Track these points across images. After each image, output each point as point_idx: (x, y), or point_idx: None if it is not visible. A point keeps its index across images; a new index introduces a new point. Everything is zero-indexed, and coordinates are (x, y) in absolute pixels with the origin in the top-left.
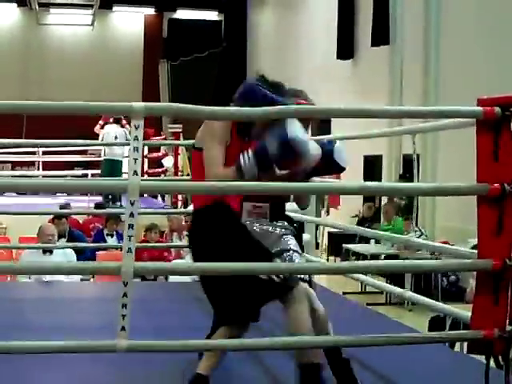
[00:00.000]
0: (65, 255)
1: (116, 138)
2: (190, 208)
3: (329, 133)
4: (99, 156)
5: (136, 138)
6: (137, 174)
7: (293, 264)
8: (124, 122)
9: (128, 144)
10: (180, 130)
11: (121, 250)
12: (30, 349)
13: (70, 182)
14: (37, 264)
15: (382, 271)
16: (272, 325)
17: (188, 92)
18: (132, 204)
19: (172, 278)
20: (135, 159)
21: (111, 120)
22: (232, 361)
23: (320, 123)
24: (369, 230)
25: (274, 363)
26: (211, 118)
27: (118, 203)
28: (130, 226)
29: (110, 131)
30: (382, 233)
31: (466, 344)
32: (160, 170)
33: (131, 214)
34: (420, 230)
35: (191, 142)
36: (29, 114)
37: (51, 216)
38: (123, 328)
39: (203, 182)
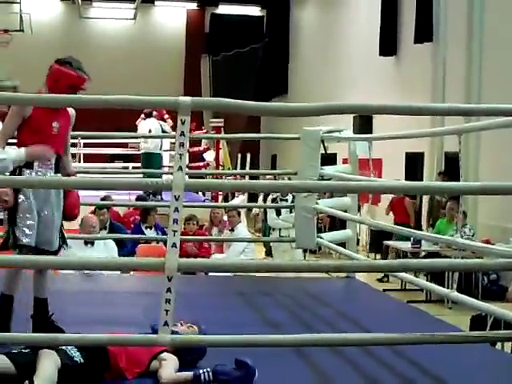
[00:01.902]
0: (106, 247)
1: (150, 131)
2: (232, 202)
3: (370, 129)
4: (139, 149)
5: (182, 134)
6: (181, 170)
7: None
8: (155, 114)
9: (163, 137)
10: (222, 125)
11: (158, 243)
12: (76, 341)
13: (116, 180)
14: (81, 260)
15: (427, 270)
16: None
17: (229, 87)
18: (176, 199)
19: (212, 272)
20: (180, 154)
21: (142, 116)
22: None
23: (361, 120)
24: (406, 229)
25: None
26: (256, 113)
27: (159, 196)
28: (175, 221)
29: (143, 126)
30: (419, 232)
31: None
32: (201, 164)
33: (176, 209)
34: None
35: (233, 136)
36: (79, 108)
37: (92, 208)
38: (166, 323)
39: (247, 181)
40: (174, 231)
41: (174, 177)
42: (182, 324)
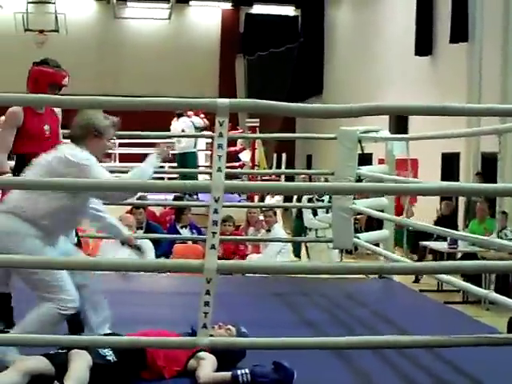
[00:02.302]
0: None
1: (183, 131)
2: (268, 202)
3: (406, 130)
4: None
5: (221, 135)
6: (221, 171)
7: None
8: (190, 113)
9: (195, 136)
10: (257, 125)
11: (195, 243)
12: (114, 344)
13: (156, 182)
14: (119, 260)
15: (466, 272)
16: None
17: (264, 87)
18: (216, 201)
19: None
20: (219, 156)
21: (175, 119)
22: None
23: (397, 120)
24: (443, 229)
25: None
26: (294, 114)
27: (195, 196)
28: (214, 223)
29: (176, 126)
30: (458, 233)
31: None
32: (237, 164)
33: (215, 211)
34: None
35: (269, 135)
36: (117, 110)
37: (127, 208)
38: (205, 325)
39: (285, 184)
40: (214, 233)
41: (213, 178)
42: (220, 327)
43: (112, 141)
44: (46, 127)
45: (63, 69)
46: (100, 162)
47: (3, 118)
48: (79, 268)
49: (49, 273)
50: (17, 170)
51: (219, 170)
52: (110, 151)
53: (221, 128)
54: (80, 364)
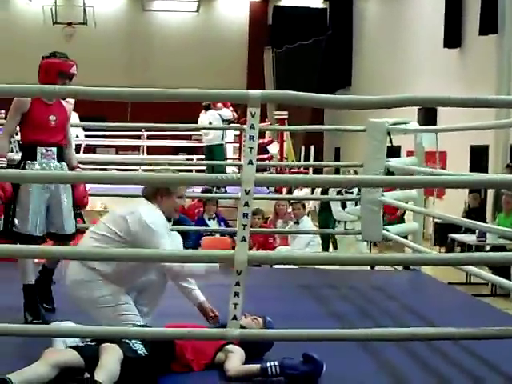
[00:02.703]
0: (172, 239)
1: (210, 123)
2: (296, 194)
3: (435, 122)
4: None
5: (252, 127)
6: (252, 164)
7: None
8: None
9: (223, 128)
10: (286, 117)
11: (223, 235)
12: (144, 335)
13: (188, 174)
14: (150, 252)
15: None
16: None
17: (292, 79)
18: (247, 193)
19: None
20: (251, 148)
21: (203, 111)
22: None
23: (426, 112)
24: (475, 222)
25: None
26: (326, 106)
27: (223, 189)
28: (245, 215)
29: (203, 119)
30: (486, 225)
31: None
32: (265, 156)
33: (246, 203)
34: None
35: (298, 127)
36: (151, 102)
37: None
38: (235, 317)
39: (317, 176)
40: (244, 225)
41: (244, 171)
42: (245, 316)
43: (181, 198)
44: (52, 117)
45: (71, 59)
46: (170, 219)
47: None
48: (112, 259)
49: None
50: (24, 159)
51: (250, 162)
52: (138, 143)
53: (252, 119)
54: (111, 357)
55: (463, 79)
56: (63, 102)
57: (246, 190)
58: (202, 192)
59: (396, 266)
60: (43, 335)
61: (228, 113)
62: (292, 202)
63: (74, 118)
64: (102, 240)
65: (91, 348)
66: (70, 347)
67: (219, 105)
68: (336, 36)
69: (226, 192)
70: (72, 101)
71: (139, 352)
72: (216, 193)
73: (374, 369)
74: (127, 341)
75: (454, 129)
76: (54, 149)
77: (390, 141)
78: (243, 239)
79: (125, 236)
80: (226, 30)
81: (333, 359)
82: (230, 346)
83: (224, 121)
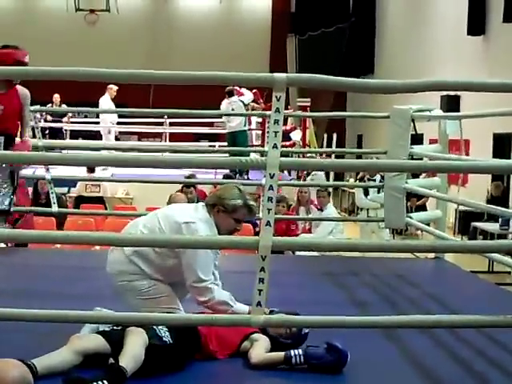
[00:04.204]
0: None
1: (233, 110)
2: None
3: (458, 110)
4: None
5: (277, 110)
6: (277, 148)
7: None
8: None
9: (245, 114)
10: (308, 104)
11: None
12: (169, 321)
13: (211, 158)
14: (172, 237)
15: None
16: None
17: (315, 66)
18: (271, 177)
19: (299, 252)
20: (275, 132)
21: (226, 99)
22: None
23: (449, 100)
24: (500, 208)
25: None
26: (351, 90)
27: (245, 176)
28: (270, 199)
29: (225, 107)
30: (510, 210)
31: None
32: (288, 143)
33: (270, 187)
34: None
35: (321, 114)
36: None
37: (178, 187)
38: (259, 303)
39: (343, 160)
40: (269, 209)
41: (268, 155)
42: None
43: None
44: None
45: (22, 48)
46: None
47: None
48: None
49: None
50: None
51: (275, 146)
52: (160, 130)
53: (278, 103)
54: (136, 341)
55: (487, 67)
56: (19, 89)
57: (270, 174)
58: (224, 178)
59: (418, 254)
60: (72, 321)
61: (249, 95)
62: (318, 189)
63: (109, 103)
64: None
65: (117, 333)
66: (96, 333)
67: (244, 90)
68: (359, 23)
69: (248, 179)
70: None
71: (164, 339)
72: (238, 179)
73: (397, 357)
74: (154, 327)
75: (479, 115)
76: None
77: (414, 128)
78: (268, 224)
79: None
80: (249, 18)
81: (356, 347)
82: (255, 335)
83: (245, 105)
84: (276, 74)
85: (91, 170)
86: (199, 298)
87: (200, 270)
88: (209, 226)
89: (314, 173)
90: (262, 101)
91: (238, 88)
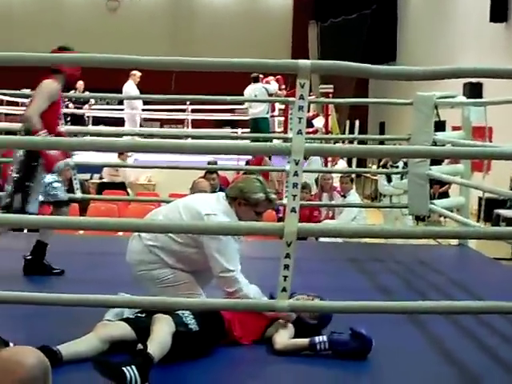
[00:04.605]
0: None
1: (255, 96)
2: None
3: (480, 97)
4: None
5: (301, 97)
6: (301, 134)
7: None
8: (265, 80)
9: (269, 101)
10: (331, 91)
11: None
12: (195, 306)
13: (237, 144)
14: (199, 224)
15: None
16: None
17: (337, 54)
18: (296, 163)
19: (322, 238)
20: (300, 118)
21: (251, 84)
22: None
23: (471, 87)
24: None
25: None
26: (376, 76)
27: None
28: (295, 185)
29: (249, 92)
30: None
31: None
32: (310, 130)
33: (295, 173)
34: None
35: (344, 100)
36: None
37: (201, 173)
38: (284, 289)
39: (367, 146)
40: (294, 195)
41: (293, 140)
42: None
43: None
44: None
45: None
46: None
47: (43, 85)
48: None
49: None
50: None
51: (299, 132)
52: (183, 117)
53: (302, 90)
54: (163, 328)
55: (509, 54)
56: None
57: (295, 160)
58: (246, 165)
59: (441, 241)
60: (96, 305)
61: (274, 86)
62: (341, 175)
63: (134, 89)
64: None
65: (142, 320)
66: (121, 320)
67: (270, 78)
68: (381, 10)
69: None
70: None
71: (190, 326)
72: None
73: (421, 343)
74: (180, 313)
75: (502, 101)
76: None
77: (437, 115)
78: (293, 210)
79: None
80: (271, 5)
81: (380, 333)
82: (279, 321)
83: (270, 95)
84: (300, 61)
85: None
86: (227, 289)
87: (225, 259)
88: (230, 217)
89: (310, 158)
90: (284, 87)
91: (262, 76)
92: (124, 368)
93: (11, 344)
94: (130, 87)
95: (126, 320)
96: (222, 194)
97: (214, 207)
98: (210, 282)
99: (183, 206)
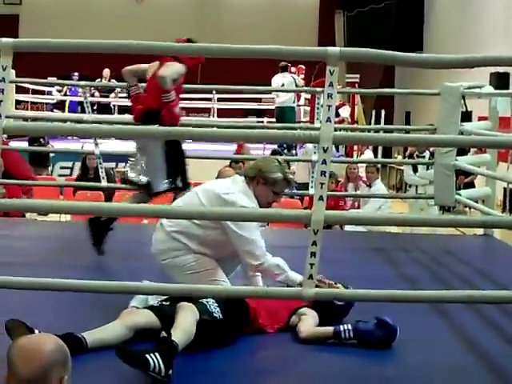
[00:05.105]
0: None
1: (283, 85)
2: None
3: (507, 87)
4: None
5: (331, 84)
6: (330, 121)
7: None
8: (293, 69)
9: (295, 91)
10: (357, 80)
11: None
12: (219, 293)
13: (265, 132)
14: (221, 210)
15: None
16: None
17: (363, 43)
18: (325, 151)
19: (347, 227)
20: (329, 106)
21: (279, 72)
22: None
23: (498, 77)
24: None
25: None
26: (405, 64)
27: (294, 151)
28: (323, 173)
29: (277, 81)
30: None
31: None
32: (336, 119)
33: (324, 161)
34: None
35: (370, 90)
36: (229, 57)
37: (227, 162)
38: (311, 276)
39: (397, 135)
40: (322, 183)
41: (322, 128)
42: (325, 283)
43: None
44: None
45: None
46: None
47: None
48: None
49: None
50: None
51: (328, 120)
52: (209, 105)
53: (331, 77)
54: (188, 316)
55: None
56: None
57: (324, 148)
58: (272, 154)
59: (467, 231)
60: (121, 292)
61: (301, 80)
62: (366, 165)
63: None
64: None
65: (167, 308)
66: (146, 308)
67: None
68: (408, 0)
69: (296, 155)
70: None
71: (215, 315)
72: (286, 155)
73: (447, 333)
74: (204, 302)
75: None
76: None
77: (465, 105)
78: (321, 198)
79: None
80: None
81: (405, 323)
82: (304, 309)
83: (296, 86)
84: (329, 48)
85: None
86: (252, 262)
87: (248, 234)
88: (247, 196)
89: (304, 146)
90: (303, 76)
91: (289, 64)
92: (147, 355)
93: (36, 331)
94: None
95: (151, 308)
96: (238, 176)
97: (231, 187)
98: (235, 269)
99: (201, 192)
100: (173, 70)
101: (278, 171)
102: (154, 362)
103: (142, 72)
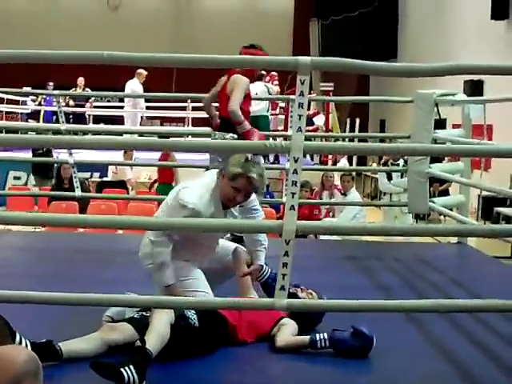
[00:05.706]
0: None
1: (256, 94)
2: (341, 165)
3: (481, 95)
4: None
5: (301, 94)
6: (301, 131)
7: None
8: (267, 78)
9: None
10: (331, 89)
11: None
12: (195, 305)
13: (234, 142)
14: (193, 221)
15: None
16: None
17: (338, 51)
18: (296, 161)
19: (322, 236)
20: (300, 115)
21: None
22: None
23: (472, 85)
24: None
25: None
26: (377, 73)
27: (267, 160)
28: (294, 183)
29: (250, 89)
30: None
31: None
32: (311, 128)
33: (295, 171)
34: None
35: (345, 98)
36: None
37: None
38: (283, 287)
39: (368, 144)
40: (293, 193)
41: (293, 138)
42: (302, 290)
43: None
44: None
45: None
46: (225, 207)
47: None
48: (156, 228)
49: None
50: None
51: (299, 129)
52: (183, 115)
53: (302, 87)
54: (161, 319)
55: (511, 51)
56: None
57: (295, 158)
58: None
59: (441, 239)
60: (101, 304)
61: (275, 88)
62: (342, 173)
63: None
64: (165, 210)
65: (146, 318)
66: (127, 320)
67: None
68: (382, 8)
69: (273, 163)
70: None
71: (190, 321)
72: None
73: (421, 342)
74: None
75: (504, 99)
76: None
77: (438, 112)
78: (292, 208)
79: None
80: (272, 2)
81: (380, 332)
82: (284, 320)
83: (270, 95)
84: (300, 58)
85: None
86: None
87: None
88: (201, 192)
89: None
90: (277, 83)
91: (264, 73)
92: (122, 369)
93: (17, 335)
94: (135, 85)
95: (130, 320)
96: (216, 170)
97: (197, 182)
98: (207, 259)
99: (179, 187)
100: (237, 96)
101: (240, 167)
102: (128, 375)
103: (215, 92)
